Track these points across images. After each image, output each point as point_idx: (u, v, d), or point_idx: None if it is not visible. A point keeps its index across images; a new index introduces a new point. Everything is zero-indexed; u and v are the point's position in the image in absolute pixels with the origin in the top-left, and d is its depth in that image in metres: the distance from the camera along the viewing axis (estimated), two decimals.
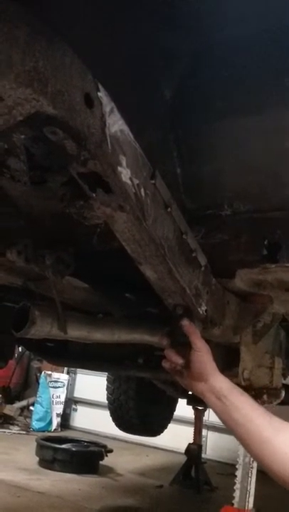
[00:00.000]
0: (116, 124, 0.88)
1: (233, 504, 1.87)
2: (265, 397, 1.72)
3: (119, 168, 0.90)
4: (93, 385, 7.17)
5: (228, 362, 1.72)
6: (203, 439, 5.68)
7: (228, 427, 1.09)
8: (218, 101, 1.35)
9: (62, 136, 0.80)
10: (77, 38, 0.90)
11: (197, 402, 4.32)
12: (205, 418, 5.42)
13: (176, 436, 6.02)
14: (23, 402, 7.85)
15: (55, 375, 7.66)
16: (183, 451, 5.14)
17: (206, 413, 5.36)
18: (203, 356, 1.13)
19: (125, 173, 0.91)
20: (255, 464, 1.87)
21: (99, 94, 0.83)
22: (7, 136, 0.98)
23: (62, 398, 7.69)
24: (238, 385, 1.47)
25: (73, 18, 1.07)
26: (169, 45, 1.32)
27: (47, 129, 0.80)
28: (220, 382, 1.10)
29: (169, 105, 1.34)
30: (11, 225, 1.39)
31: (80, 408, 8.18)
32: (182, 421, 5.98)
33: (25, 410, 7.72)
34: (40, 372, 7.79)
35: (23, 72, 0.69)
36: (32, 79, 0.70)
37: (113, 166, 0.88)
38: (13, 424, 7.14)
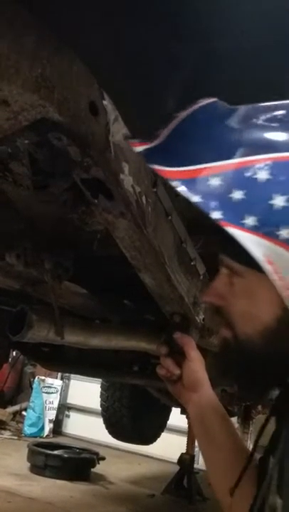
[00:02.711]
0: (120, 132, 0.89)
1: None
2: (259, 407, 1.72)
3: (122, 176, 0.91)
4: (86, 391, 7.15)
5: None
6: (196, 449, 5.65)
7: (199, 443, 1.08)
8: None
9: (67, 142, 0.81)
10: (80, 44, 0.91)
11: None
12: None
13: (169, 446, 5.99)
14: (16, 407, 7.80)
15: (49, 380, 7.62)
16: (175, 460, 5.11)
17: None
18: (196, 366, 1.12)
19: (127, 181, 0.92)
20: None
21: (104, 102, 0.84)
22: (11, 140, 0.99)
23: (55, 404, 7.65)
24: (233, 394, 1.47)
25: (77, 24, 1.09)
26: (173, 53, 1.33)
27: (52, 134, 0.81)
28: (208, 397, 1.09)
29: (171, 113, 1.35)
30: (11, 228, 1.40)
31: (72, 414, 8.14)
32: (175, 430, 5.96)
33: (17, 415, 7.68)
34: (34, 378, 7.75)
35: (30, 78, 0.70)
36: (39, 85, 0.71)
37: (116, 173, 0.89)
38: (4, 428, 7.09)
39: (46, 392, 7.51)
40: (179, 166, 0.76)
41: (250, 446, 1.13)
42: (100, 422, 4.72)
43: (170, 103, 1.36)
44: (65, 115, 0.76)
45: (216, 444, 1.03)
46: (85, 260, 1.42)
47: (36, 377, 7.62)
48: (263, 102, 1.32)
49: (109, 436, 4.73)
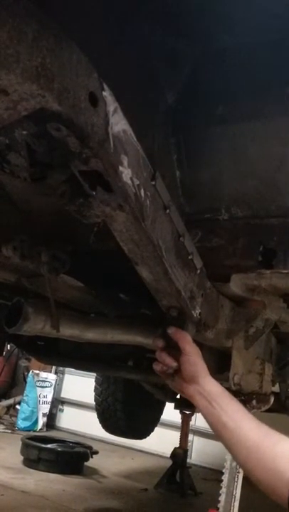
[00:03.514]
0: (119, 124, 0.89)
1: (218, 508, 1.87)
2: (254, 402, 1.72)
3: (121, 168, 0.90)
4: (80, 385, 7.14)
5: (219, 366, 1.73)
6: (189, 443, 5.67)
7: (215, 431, 1.09)
8: (220, 107, 1.36)
9: (66, 133, 0.80)
10: (82, 40, 0.91)
11: (185, 406, 4.32)
12: (192, 423, 5.42)
13: (162, 440, 6.01)
14: (10, 401, 7.80)
15: (43, 374, 7.62)
16: (168, 455, 5.13)
17: (193, 418, 5.36)
18: (194, 359, 1.13)
19: (126, 173, 0.91)
20: (241, 469, 1.87)
21: (104, 93, 0.83)
22: (9, 131, 0.99)
23: (49, 398, 7.65)
24: (228, 389, 1.47)
25: (79, 20, 1.08)
26: (173, 50, 1.33)
27: (51, 125, 0.80)
28: (210, 386, 1.11)
29: (171, 109, 1.35)
30: (8, 220, 1.39)
31: (66, 409, 8.14)
32: (169, 425, 5.98)
33: (11, 409, 7.68)
34: (28, 371, 7.74)
35: (30, 67, 0.69)
36: (39, 75, 0.70)
37: (114, 165, 0.88)
38: None
39: (40, 386, 7.51)
40: None
41: None
42: (93, 416, 4.72)
43: (170, 97, 1.36)
44: (64, 105, 0.75)
45: (235, 428, 1.04)
46: (81, 253, 1.42)
47: (30, 371, 7.62)
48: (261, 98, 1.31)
49: (103, 430, 4.74)
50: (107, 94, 0.84)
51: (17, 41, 0.67)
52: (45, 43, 0.71)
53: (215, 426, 1.08)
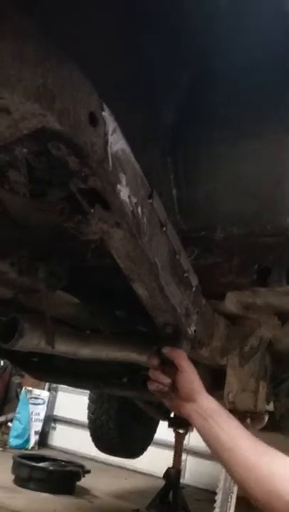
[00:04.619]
0: (118, 143, 0.90)
1: None
2: (248, 421, 1.72)
3: (119, 186, 0.92)
4: (74, 403, 7.07)
5: (213, 384, 1.73)
6: (183, 463, 5.59)
7: (212, 450, 1.08)
8: (217, 125, 1.38)
9: (66, 151, 0.82)
10: (81, 58, 0.93)
11: (178, 425, 4.28)
12: (185, 442, 5.35)
13: (155, 460, 5.93)
14: (2, 418, 7.70)
15: (36, 391, 7.54)
16: (161, 475, 5.06)
17: (187, 437, 5.30)
18: (190, 376, 1.13)
19: (124, 192, 0.93)
20: (235, 489, 1.86)
21: (103, 113, 0.85)
22: (10, 148, 1.00)
23: (42, 415, 7.56)
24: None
25: (78, 40, 1.10)
26: (171, 69, 1.36)
27: (51, 144, 0.82)
28: (207, 403, 1.10)
29: (169, 128, 1.37)
30: (6, 236, 1.40)
31: (59, 427, 8.04)
32: (162, 444, 5.91)
33: (3, 426, 7.58)
34: (21, 388, 7.67)
35: (31, 87, 0.71)
36: (40, 95, 0.72)
37: (113, 183, 0.90)
38: None
39: (33, 403, 7.42)
40: None
41: None
42: (86, 434, 4.67)
43: (168, 116, 1.38)
44: (65, 125, 0.76)
45: (232, 446, 1.03)
46: (78, 270, 1.42)
47: (23, 388, 7.54)
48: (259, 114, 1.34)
49: (96, 449, 4.68)
50: (106, 114, 0.86)
51: (19, 61, 0.69)
52: (46, 63, 0.72)
53: (212, 444, 1.07)
